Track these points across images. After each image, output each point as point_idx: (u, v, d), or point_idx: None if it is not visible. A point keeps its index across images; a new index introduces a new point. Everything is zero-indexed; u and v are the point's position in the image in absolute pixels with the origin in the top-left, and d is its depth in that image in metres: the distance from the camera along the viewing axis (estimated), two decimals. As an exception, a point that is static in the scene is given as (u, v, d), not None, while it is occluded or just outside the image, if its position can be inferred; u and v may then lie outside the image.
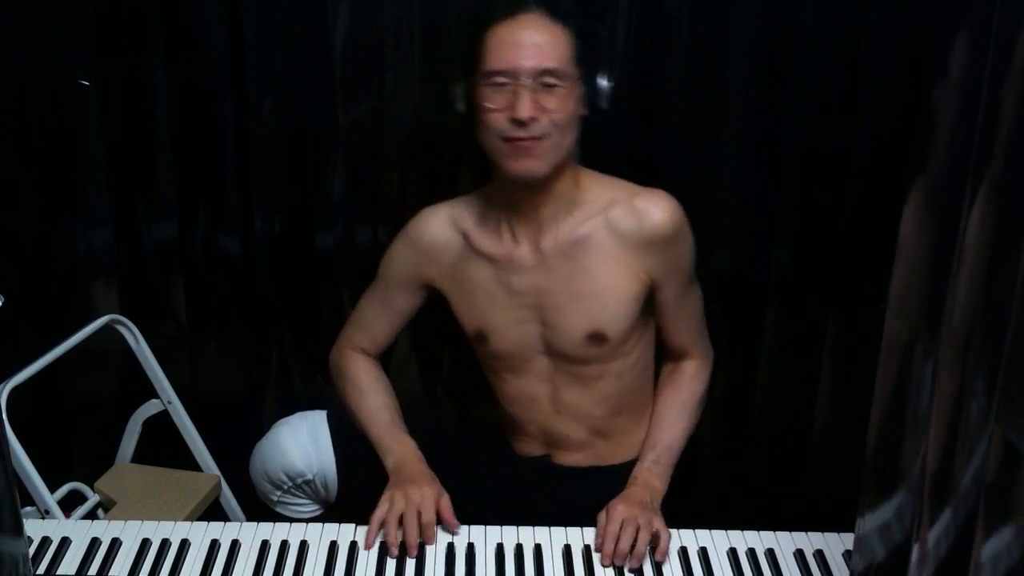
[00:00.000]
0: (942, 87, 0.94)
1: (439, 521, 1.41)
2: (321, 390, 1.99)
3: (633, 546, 1.37)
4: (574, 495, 1.57)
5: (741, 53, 1.72)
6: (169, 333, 1.95)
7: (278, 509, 1.70)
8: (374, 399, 1.63)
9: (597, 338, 1.51)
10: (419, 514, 1.39)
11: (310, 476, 1.64)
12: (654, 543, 1.39)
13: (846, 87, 1.71)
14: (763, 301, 1.87)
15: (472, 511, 1.47)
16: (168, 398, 1.88)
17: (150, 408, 1.91)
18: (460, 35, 1.74)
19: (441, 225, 1.59)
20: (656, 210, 1.48)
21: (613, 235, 1.48)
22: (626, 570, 1.36)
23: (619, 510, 1.41)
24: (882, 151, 1.72)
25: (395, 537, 1.38)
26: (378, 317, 1.68)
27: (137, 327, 1.85)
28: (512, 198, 1.50)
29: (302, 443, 1.64)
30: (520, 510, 1.57)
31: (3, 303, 1.10)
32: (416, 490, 1.43)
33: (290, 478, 1.65)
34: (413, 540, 1.38)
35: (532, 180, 1.44)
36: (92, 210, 1.87)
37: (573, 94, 1.42)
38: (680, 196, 1.79)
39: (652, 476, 1.52)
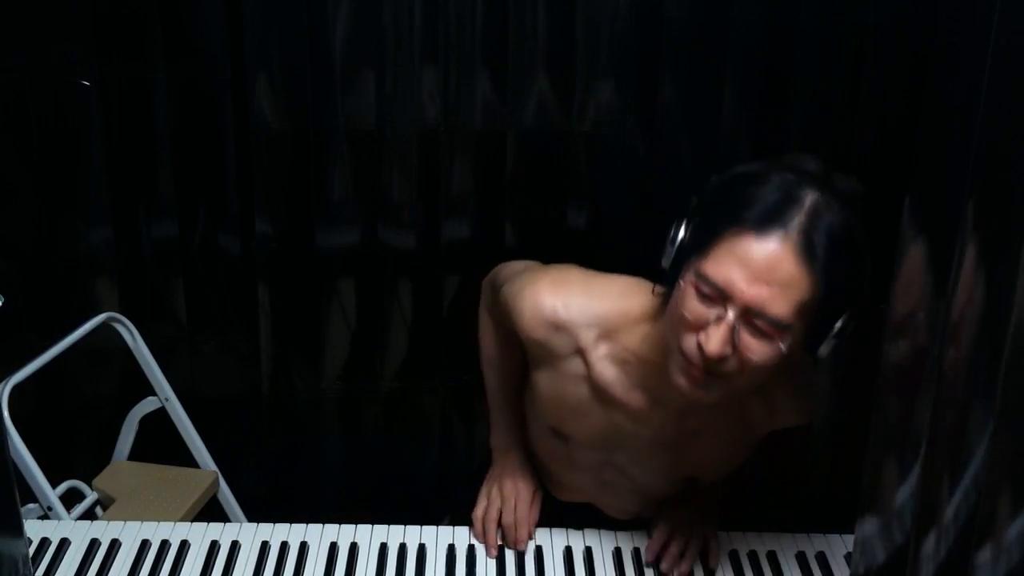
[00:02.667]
0: (943, 83, 0.94)
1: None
2: (321, 391, 2.00)
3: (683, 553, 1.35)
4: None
5: (741, 53, 1.71)
6: (168, 333, 1.96)
7: None
8: (495, 374, 1.48)
9: (689, 480, 1.40)
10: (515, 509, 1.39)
11: None
12: (705, 548, 1.38)
13: (846, 87, 1.71)
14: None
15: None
16: (165, 395, 1.88)
17: (147, 405, 1.91)
18: (460, 34, 1.74)
19: (555, 335, 1.28)
20: (791, 412, 1.30)
21: (740, 420, 1.30)
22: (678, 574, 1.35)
23: (669, 515, 1.39)
24: (882, 151, 1.72)
25: (494, 538, 1.39)
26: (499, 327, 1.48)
27: (136, 327, 1.85)
28: (665, 376, 1.18)
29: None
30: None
31: (3, 303, 1.10)
32: (513, 488, 1.41)
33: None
34: (510, 541, 1.38)
35: (695, 403, 1.19)
36: (92, 210, 1.87)
37: (787, 344, 1.10)
38: (680, 196, 1.79)
39: (708, 500, 1.45)
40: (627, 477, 1.39)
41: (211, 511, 1.89)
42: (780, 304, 1.05)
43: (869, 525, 1.14)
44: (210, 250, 1.91)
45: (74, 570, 1.33)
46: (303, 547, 1.39)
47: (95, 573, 1.33)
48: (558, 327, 1.27)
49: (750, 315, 1.07)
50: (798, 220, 1.05)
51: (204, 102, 1.83)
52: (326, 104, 1.79)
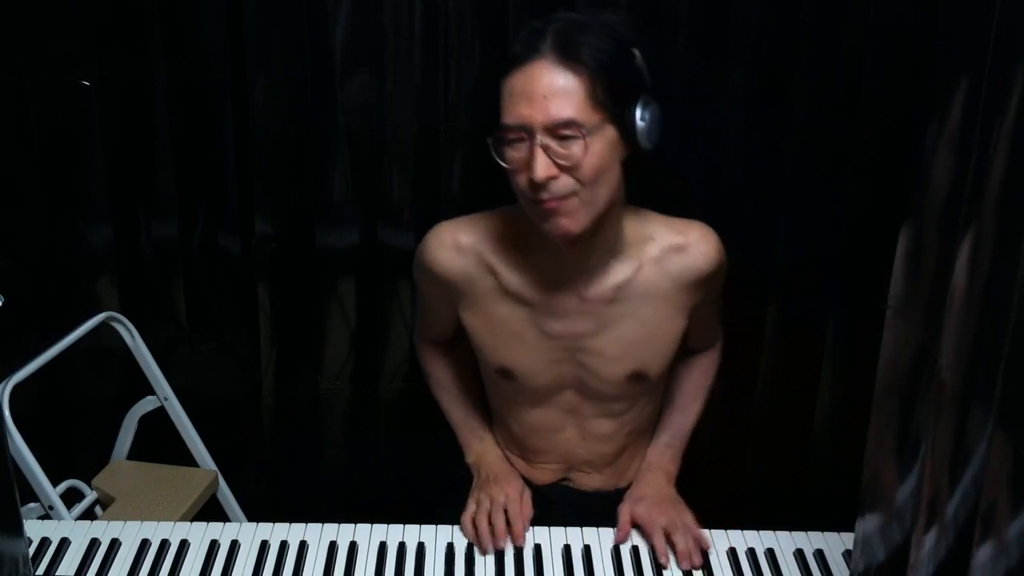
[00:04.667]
0: (943, 83, 0.94)
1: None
2: (321, 391, 2.00)
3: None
4: (592, 519, 1.49)
5: (741, 53, 1.71)
6: (168, 333, 1.96)
7: None
8: (447, 393, 1.62)
9: (638, 377, 1.46)
10: (506, 512, 1.41)
11: None
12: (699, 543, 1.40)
13: (846, 87, 1.71)
14: (763, 301, 1.87)
15: None
16: (164, 394, 1.88)
17: (146, 405, 1.91)
18: (460, 34, 1.74)
19: (459, 256, 1.42)
20: (702, 248, 1.40)
21: (660, 277, 1.40)
22: (692, 566, 1.36)
23: (655, 517, 1.41)
24: (882, 151, 1.72)
25: (487, 535, 1.39)
26: (431, 318, 1.61)
27: (136, 326, 1.85)
28: (550, 245, 1.34)
29: None
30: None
31: (3, 302, 1.11)
32: (500, 490, 1.44)
33: None
34: (500, 531, 1.38)
35: (570, 239, 1.30)
36: (92, 210, 1.88)
37: (603, 141, 1.24)
38: (680, 196, 1.79)
39: (665, 459, 1.54)
40: (586, 393, 1.46)
41: (211, 511, 1.89)
42: (565, 106, 1.20)
43: (869, 524, 1.15)
44: (210, 250, 1.91)
45: (74, 570, 1.33)
46: (303, 546, 1.39)
47: (95, 573, 1.33)
48: (460, 248, 1.41)
49: (550, 131, 1.20)
50: (550, 38, 1.22)
51: (204, 102, 1.83)
52: (326, 104, 1.79)
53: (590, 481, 1.57)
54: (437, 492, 1.71)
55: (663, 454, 1.54)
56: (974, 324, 0.87)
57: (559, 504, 1.55)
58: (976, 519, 0.85)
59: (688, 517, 1.42)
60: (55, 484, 1.71)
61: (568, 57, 1.20)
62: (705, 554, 1.39)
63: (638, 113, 1.25)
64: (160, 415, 1.91)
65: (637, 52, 1.28)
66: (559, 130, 1.21)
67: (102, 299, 1.92)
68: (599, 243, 1.36)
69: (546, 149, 1.21)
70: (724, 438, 1.96)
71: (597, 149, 1.23)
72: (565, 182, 1.23)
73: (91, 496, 1.84)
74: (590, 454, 1.55)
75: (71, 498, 1.83)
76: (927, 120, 0.97)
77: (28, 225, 1.87)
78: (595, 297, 1.39)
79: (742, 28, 1.70)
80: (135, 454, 1.94)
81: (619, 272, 1.39)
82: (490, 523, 1.40)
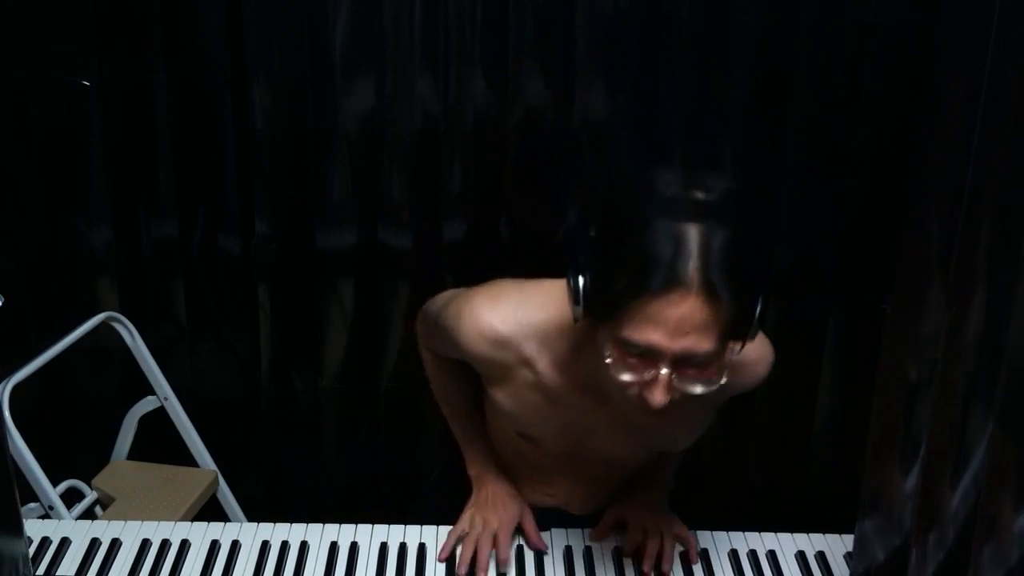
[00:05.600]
0: (943, 83, 0.94)
1: (524, 539, 1.41)
2: (320, 391, 2.00)
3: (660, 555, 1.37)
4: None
5: (741, 53, 1.71)
6: (168, 333, 1.96)
7: None
8: (450, 406, 1.53)
9: (661, 454, 1.44)
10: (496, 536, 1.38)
11: None
12: (683, 545, 1.39)
13: (846, 87, 1.71)
14: (763, 301, 1.87)
15: None
16: (164, 394, 1.88)
17: (146, 405, 1.91)
18: (460, 35, 1.74)
19: (497, 350, 1.30)
20: (757, 370, 1.31)
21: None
22: (662, 573, 1.35)
23: (638, 517, 1.40)
24: (882, 151, 1.72)
25: (466, 562, 1.36)
26: (443, 352, 1.47)
27: (136, 327, 1.85)
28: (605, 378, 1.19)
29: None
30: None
31: (3, 302, 1.11)
32: (495, 515, 1.41)
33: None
34: (483, 563, 1.36)
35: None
36: (92, 210, 1.88)
37: (726, 364, 1.14)
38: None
39: (660, 479, 1.49)
40: (601, 464, 1.41)
41: (211, 511, 1.89)
42: (704, 343, 1.09)
43: (869, 525, 1.15)
44: (210, 250, 1.91)
45: (74, 569, 1.33)
46: (303, 547, 1.39)
47: (95, 572, 1.33)
48: (500, 343, 1.29)
49: (681, 363, 1.10)
50: (694, 267, 1.06)
51: (204, 102, 1.83)
52: (326, 104, 1.79)
53: (585, 508, 1.51)
54: (438, 490, 1.71)
55: (659, 468, 1.49)
56: (974, 325, 0.87)
57: (550, 524, 1.49)
58: (976, 519, 0.85)
59: (676, 525, 1.40)
60: (55, 484, 1.71)
61: (714, 294, 1.07)
62: (707, 554, 1.38)
63: (756, 317, 1.13)
64: (160, 415, 1.91)
65: (764, 256, 1.21)
66: (691, 364, 1.11)
67: (102, 299, 1.92)
68: None
69: (666, 376, 1.11)
70: (724, 438, 1.96)
71: (719, 371, 1.14)
72: (676, 397, 1.14)
73: (91, 496, 1.84)
74: (587, 495, 1.50)
75: (71, 498, 1.83)
76: (927, 120, 0.97)
77: (28, 225, 1.87)
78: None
79: (742, 28, 1.70)
80: (135, 454, 1.94)
81: None
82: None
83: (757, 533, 1.43)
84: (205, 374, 2.00)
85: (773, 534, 1.43)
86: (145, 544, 1.39)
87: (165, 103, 1.82)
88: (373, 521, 1.45)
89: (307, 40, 1.76)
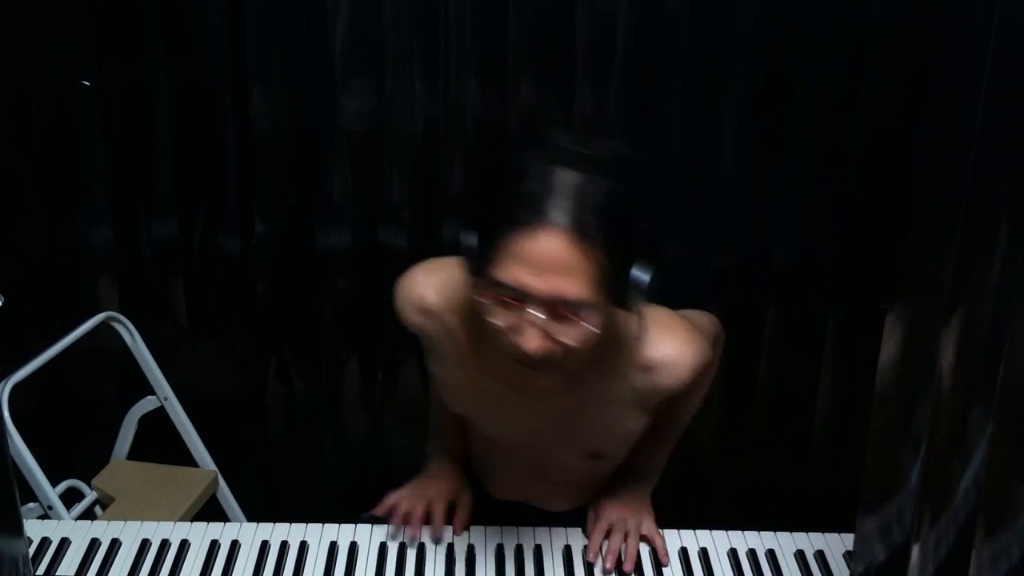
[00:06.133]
0: (943, 83, 0.94)
1: (449, 520, 1.42)
2: (320, 391, 2.00)
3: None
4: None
5: (741, 53, 1.72)
6: (168, 333, 1.96)
7: None
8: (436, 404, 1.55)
9: (595, 456, 1.40)
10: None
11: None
12: (650, 545, 1.39)
13: (846, 87, 1.71)
14: (763, 301, 1.87)
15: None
16: (164, 394, 1.88)
17: (146, 405, 1.91)
18: (460, 35, 1.74)
19: (423, 317, 1.32)
20: (671, 371, 1.27)
21: (622, 387, 1.29)
22: (622, 572, 1.35)
23: (607, 513, 1.40)
24: (882, 151, 1.72)
25: (400, 519, 1.40)
26: None
27: (136, 327, 1.85)
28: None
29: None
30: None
31: (3, 302, 1.10)
32: (433, 486, 1.44)
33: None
34: (414, 533, 1.39)
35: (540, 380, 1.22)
36: (92, 210, 1.88)
37: (599, 315, 1.13)
38: (680, 196, 1.79)
39: (647, 469, 1.49)
40: (544, 461, 1.42)
41: (211, 511, 1.89)
42: (573, 288, 1.09)
43: (869, 525, 1.15)
44: (210, 250, 1.91)
45: (74, 569, 1.33)
46: (303, 547, 1.39)
47: (95, 572, 1.33)
48: (426, 311, 1.31)
49: (553, 306, 1.10)
50: (563, 207, 1.08)
51: (204, 102, 1.83)
52: (326, 104, 1.79)
53: (553, 504, 1.52)
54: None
55: (644, 464, 1.48)
56: (974, 325, 0.87)
57: (519, 520, 1.47)
58: (976, 519, 0.85)
59: (645, 523, 1.40)
60: (55, 484, 1.71)
61: (582, 234, 1.08)
62: (706, 553, 1.38)
63: (634, 277, 1.14)
64: (160, 415, 1.91)
65: (646, 222, 1.18)
66: (559, 307, 1.10)
67: (102, 299, 1.92)
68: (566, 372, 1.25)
69: (539, 319, 1.11)
70: (724, 438, 1.96)
71: (593, 324, 1.13)
72: (555, 351, 1.13)
73: (91, 496, 1.84)
74: (553, 493, 1.50)
75: (71, 498, 1.83)
76: (927, 120, 0.97)
77: (28, 225, 1.87)
78: (556, 394, 1.28)
79: (742, 28, 1.70)
80: (135, 454, 1.94)
81: (584, 378, 1.27)
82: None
83: (756, 532, 1.43)
84: (205, 374, 2.00)
85: (772, 533, 1.43)
86: (145, 544, 1.39)
87: (165, 103, 1.82)
88: (372, 521, 1.45)
89: (307, 40, 1.76)
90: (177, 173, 1.87)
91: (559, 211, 1.08)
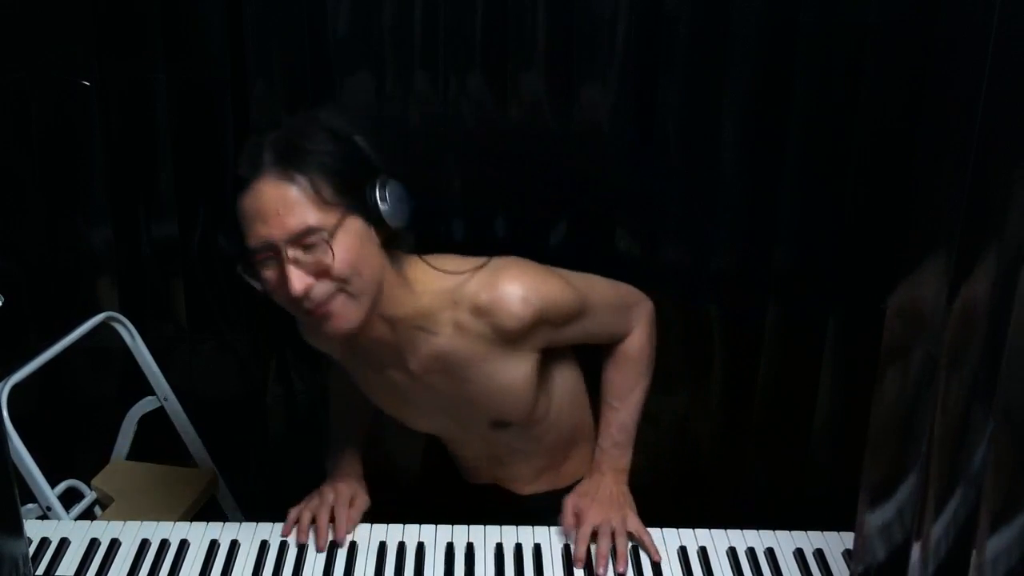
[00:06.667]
0: (943, 83, 0.94)
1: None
2: (320, 391, 1.99)
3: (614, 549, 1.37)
4: (529, 520, 1.48)
5: (741, 53, 1.71)
6: (168, 333, 1.96)
7: None
8: (338, 413, 1.67)
9: (500, 424, 1.46)
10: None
11: None
12: (636, 542, 1.39)
13: (846, 87, 1.71)
14: (763, 301, 1.87)
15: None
16: (164, 394, 1.88)
17: (146, 405, 1.91)
18: (460, 34, 1.74)
19: (313, 340, 1.48)
20: (504, 307, 1.32)
21: (473, 340, 1.34)
22: (617, 573, 1.34)
23: (590, 515, 1.40)
24: (882, 151, 1.72)
25: (305, 530, 1.42)
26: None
27: (136, 327, 1.85)
28: (355, 337, 1.34)
29: None
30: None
31: (3, 303, 1.10)
32: (331, 488, 1.47)
33: None
34: (322, 539, 1.40)
35: (351, 334, 1.30)
36: (92, 210, 1.88)
37: (349, 236, 1.23)
38: (681, 196, 1.79)
39: (614, 458, 1.49)
40: (461, 436, 1.52)
41: (210, 511, 1.89)
42: (298, 216, 1.20)
43: (869, 524, 1.15)
44: (210, 250, 1.91)
45: (74, 569, 1.34)
46: (302, 547, 1.39)
47: (95, 573, 1.33)
48: (309, 335, 1.47)
49: (292, 244, 1.20)
50: (268, 153, 1.23)
51: (204, 102, 1.83)
52: (326, 104, 1.78)
53: (523, 487, 1.57)
54: (436, 490, 1.71)
55: (609, 453, 1.49)
56: (974, 324, 0.87)
57: (493, 504, 1.56)
58: (976, 519, 0.85)
59: (630, 520, 1.40)
60: (54, 484, 1.71)
61: (288, 167, 1.21)
62: (705, 552, 1.38)
63: (376, 196, 1.26)
64: (160, 415, 1.91)
65: (359, 138, 1.29)
66: (301, 240, 1.20)
67: (102, 299, 1.92)
68: (394, 323, 1.35)
69: (296, 262, 1.21)
70: (724, 438, 1.96)
71: (345, 246, 1.22)
72: (323, 287, 1.23)
73: (90, 496, 1.84)
74: (512, 472, 1.56)
75: (70, 498, 1.83)
76: (927, 120, 0.97)
77: (28, 225, 1.87)
78: (421, 370, 1.38)
79: (742, 28, 1.70)
80: (135, 454, 1.94)
81: (433, 343, 1.35)
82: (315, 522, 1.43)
83: (755, 531, 1.43)
84: (205, 374, 2.00)
85: (771, 532, 1.43)
86: (144, 544, 1.39)
87: (165, 103, 1.82)
88: (373, 521, 1.45)
89: (307, 40, 1.76)
90: (177, 173, 1.87)
91: (266, 158, 1.22)
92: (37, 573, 1.33)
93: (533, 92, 1.79)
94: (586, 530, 1.38)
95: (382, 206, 1.26)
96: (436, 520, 1.45)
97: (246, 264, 1.25)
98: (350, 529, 1.43)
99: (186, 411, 1.91)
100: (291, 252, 1.20)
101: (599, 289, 1.47)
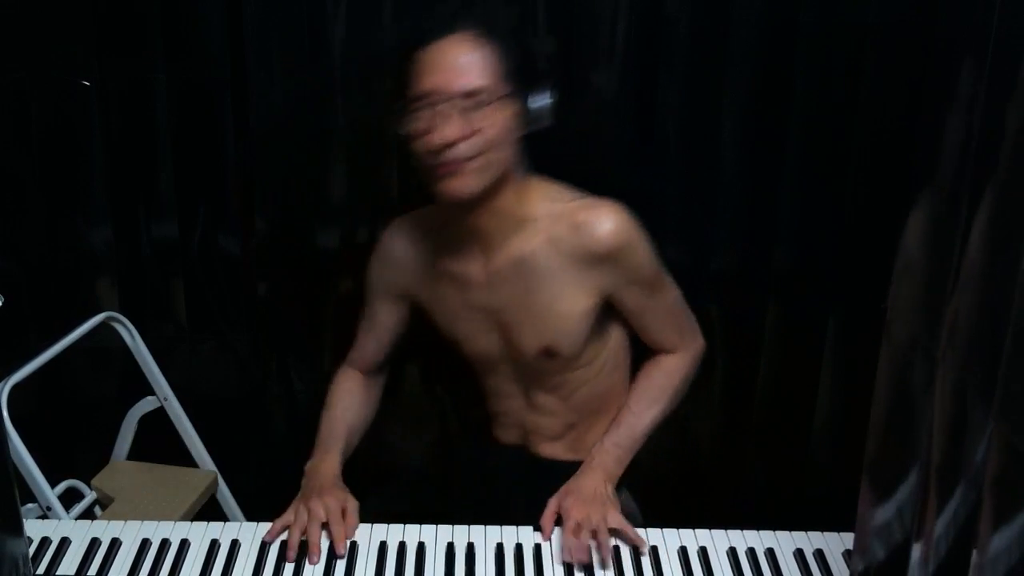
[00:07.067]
0: (943, 94, 0.94)
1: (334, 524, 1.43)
2: (321, 391, 1.99)
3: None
4: (547, 486, 1.52)
5: (741, 53, 1.72)
6: (168, 333, 1.96)
7: None
8: (329, 412, 1.67)
9: (549, 353, 1.53)
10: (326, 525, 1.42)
11: None
12: (619, 539, 1.40)
13: (846, 87, 1.71)
14: (763, 301, 1.87)
15: (450, 500, 1.61)
16: (164, 395, 1.88)
17: (146, 405, 1.91)
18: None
19: (409, 240, 1.60)
20: (598, 226, 1.44)
21: (557, 253, 1.46)
22: (601, 565, 1.35)
23: (572, 512, 1.41)
24: (882, 151, 1.72)
25: (295, 548, 1.38)
26: (365, 333, 1.70)
27: (136, 327, 1.85)
28: (456, 218, 1.48)
29: None
30: (495, 499, 1.61)
31: (3, 303, 1.11)
32: (319, 502, 1.44)
33: None
34: (315, 545, 1.38)
35: (465, 199, 1.40)
36: (92, 210, 1.88)
37: (506, 111, 1.37)
38: (681, 196, 1.79)
39: (609, 458, 1.52)
40: (515, 368, 1.59)
41: (210, 511, 1.89)
42: (475, 76, 1.34)
43: (870, 524, 1.15)
44: (210, 250, 1.91)
45: (74, 569, 1.33)
46: (302, 546, 1.39)
47: (95, 572, 1.33)
48: (406, 238, 1.60)
49: (459, 98, 1.33)
50: (458, 24, 1.37)
51: (204, 102, 1.83)
52: (326, 104, 1.79)
53: (547, 448, 1.65)
54: (436, 490, 1.72)
55: (608, 452, 1.53)
56: (973, 323, 0.87)
57: (518, 466, 1.65)
58: (976, 519, 0.85)
59: (611, 516, 1.41)
60: (54, 484, 1.71)
61: (478, 37, 1.36)
62: (706, 552, 1.38)
63: (537, 95, 1.41)
64: (160, 415, 1.91)
65: (537, 50, 1.57)
66: (469, 97, 1.33)
67: (102, 299, 1.92)
68: (497, 212, 1.46)
69: (452, 115, 1.33)
70: (724, 438, 1.96)
71: (499, 118, 1.36)
72: (466, 146, 1.34)
73: (90, 496, 1.84)
74: (540, 424, 1.64)
75: (70, 498, 1.83)
76: (927, 120, 0.97)
77: (28, 225, 1.87)
78: (498, 269, 1.50)
79: (742, 28, 1.70)
80: (135, 454, 1.94)
81: (520, 246, 1.47)
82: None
83: (755, 531, 1.43)
84: (205, 374, 2.00)
85: (772, 532, 1.43)
86: (145, 544, 1.39)
87: (165, 103, 1.82)
88: (373, 521, 1.45)
89: (307, 40, 1.76)
90: (177, 173, 1.87)
91: (451, 25, 1.37)
92: (38, 573, 1.33)
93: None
94: (570, 525, 1.40)
95: (537, 105, 1.41)
96: (437, 520, 1.45)
97: (397, 110, 1.37)
98: (349, 534, 1.42)
99: (186, 411, 1.91)
100: (452, 105, 1.33)
101: (674, 292, 1.58)
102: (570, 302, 1.49)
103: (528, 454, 1.67)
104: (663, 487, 1.89)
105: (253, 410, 2.02)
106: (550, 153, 1.78)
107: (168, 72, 1.80)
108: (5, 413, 1.52)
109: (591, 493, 1.45)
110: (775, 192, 1.80)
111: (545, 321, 1.50)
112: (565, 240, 1.45)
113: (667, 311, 1.59)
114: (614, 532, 1.40)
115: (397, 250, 1.61)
